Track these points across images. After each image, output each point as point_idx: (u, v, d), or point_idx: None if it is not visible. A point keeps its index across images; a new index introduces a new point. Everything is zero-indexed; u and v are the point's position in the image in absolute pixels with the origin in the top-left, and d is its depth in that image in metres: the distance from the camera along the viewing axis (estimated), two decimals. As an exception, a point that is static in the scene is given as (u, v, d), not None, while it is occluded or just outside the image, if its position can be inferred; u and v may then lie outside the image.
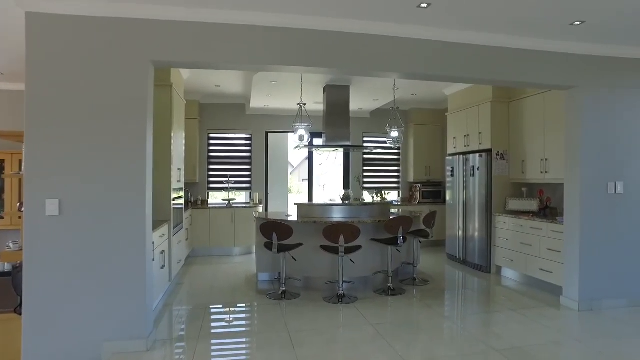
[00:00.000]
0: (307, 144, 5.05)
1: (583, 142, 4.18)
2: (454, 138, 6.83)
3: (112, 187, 3.15)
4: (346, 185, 8.49)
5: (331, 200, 8.51)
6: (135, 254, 3.19)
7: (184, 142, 5.87)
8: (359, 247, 4.52)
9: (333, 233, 4.38)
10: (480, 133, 6.11)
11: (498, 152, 5.90)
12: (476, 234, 6.07)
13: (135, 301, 3.18)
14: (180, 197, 5.47)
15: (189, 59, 3.32)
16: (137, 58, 3.19)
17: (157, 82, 4.79)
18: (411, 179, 8.43)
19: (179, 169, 5.34)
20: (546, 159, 5.22)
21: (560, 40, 3.99)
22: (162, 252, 4.31)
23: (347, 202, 5.32)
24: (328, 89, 5.79)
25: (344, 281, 4.59)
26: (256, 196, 7.80)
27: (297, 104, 5.01)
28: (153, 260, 3.80)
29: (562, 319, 3.93)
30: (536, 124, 5.39)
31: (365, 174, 8.50)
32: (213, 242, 7.16)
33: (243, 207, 7.32)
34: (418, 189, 8.24)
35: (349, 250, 4.43)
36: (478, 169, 6.02)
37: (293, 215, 5.35)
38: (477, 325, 3.82)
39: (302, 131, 4.92)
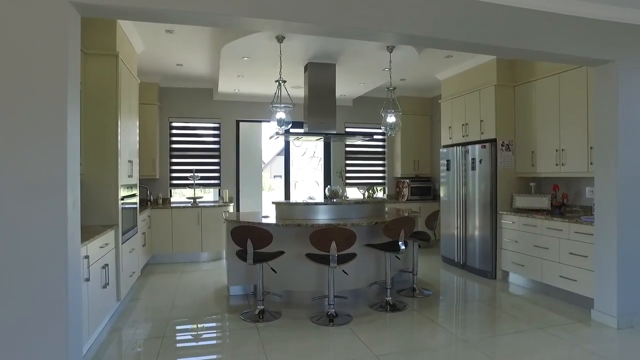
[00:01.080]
0: (288, 129, 4.17)
1: (620, 128, 3.51)
2: (450, 128, 6.13)
3: (15, 183, 2.18)
4: (327, 181, 7.66)
5: (310, 199, 7.67)
6: (53, 277, 2.24)
7: (137, 130, 4.86)
8: (353, 256, 3.70)
9: (323, 239, 3.54)
10: (482, 121, 5.41)
11: (503, 142, 5.21)
12: (477, 234, 5.39)
13: (53, 345, 2.23)
14: (133, 196, 4.48)
15: (123, 2, 2.36)
16: (52, -2, 2.23)
17: (96, 49, 3.79)
18: (398, 174, 7.70)
19: (130, 161, 4.35)
20: (562, 150, 4.57)
21: (599, 3, 3.30)
22: (105, 266, 3.34)
23: (334, 200, 4.49)
24: (310, 68, 4.93)
25: (335, 296, 3.77)
26: (226, 194, 6.85)
27: (276, 81, 4.12)
28: (87, 280, 2.85)
29: (602, 341, 3.25)
30: (550, 110, 4.72)
31: (348, 168, 7.69)
32: (177, 247, 6.17)
33: (211, 206, 6.36)
34: (406, 184, 7.52)
35: (342, 260, 3.61)
36: (480, 162, 5.33)
37: (271, 216, 4.47)
38: (508, 351, 3.08)
39: (281, 113, 4.04)
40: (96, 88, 3.72)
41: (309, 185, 7.76)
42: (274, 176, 19.44)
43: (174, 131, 6.86)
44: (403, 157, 7.60)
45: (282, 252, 3.78)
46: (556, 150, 4.64)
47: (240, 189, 7.26)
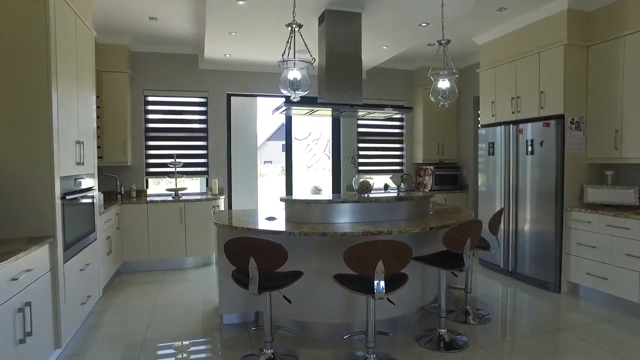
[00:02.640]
0: (302, 95, 2.93)
1: None
2: (492, 103, 4.95)
3: None
4: (336, 168, 6.47)
5: (318, 190, 6.48)
6: None
7: (94, 101, 3.59)
8: (404, 279, 2.53)
9: (366, 257, 2.36)
10: (542, 92, 4.24)
11: (573, 119, 4.07)
12: (534, 235, 4.28)
13: None
14: (87, 190, 3.23)
15: None
16: None
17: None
18: (419, 160, 6.53)
19: (80, 143, 3.09)
20: (664, 127, 3.44)
21: None
22: (25, 306, 2.12)
23: (365, 195, 3.30)
24: (329, 18, 3.67)
25: (376, 332, 2.62)
26: (215, 184, 5.62)
27: (287, 25, 2.87)
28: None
29: None
30: (646, 75, 3.58)
31: (361, 152, 6.50)
32: (155, 252, 4.94)
33: (197, 200, 5.13)
34: (430, 172, 6.37)
35: (390, 285, 2.44)
36: (541, 144, 4.18)
37: (278, 217, 3.28)
38: None
39: (295, 72, 2.80)
40: (11, 34, 2.45)
41: (313, 173, 6.57)
42: (264, 162, 18.12)
43: (150, 107, 5.56)
44: (426, 140, 6.43)
45: (299, 274, 2.60)
46: (655, 129, 3.51)
47: (232, 178, 6.03)
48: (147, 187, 5.57)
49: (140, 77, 5.43)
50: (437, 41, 3.23)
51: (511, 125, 4.55)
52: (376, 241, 2.36)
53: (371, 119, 6.57)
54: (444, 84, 3.21)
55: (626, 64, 3.74)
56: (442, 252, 2.98)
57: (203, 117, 5.76)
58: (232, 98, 5.93)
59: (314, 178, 6.46)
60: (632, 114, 3.69)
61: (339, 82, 3.65)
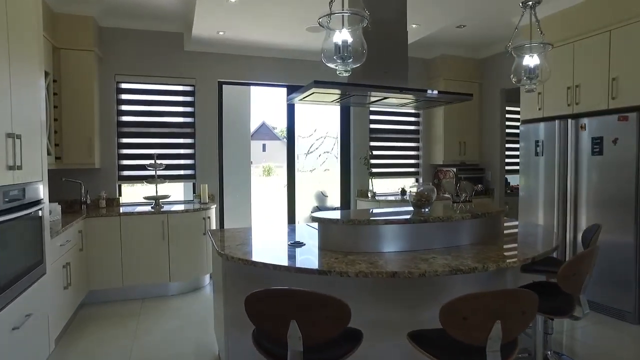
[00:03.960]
0: (349, 70, 2.02)
1: None
2: (539, 94, 4.17)
3: None
4: (345, 170, 5.59)
5: (324, 196, 5.61)
6: None
7: (43, 86, 2.61)
8: (515, 344, 1.67)
9: (478, 317, 1.48)
10: (614, 79, 3.48)
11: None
12: (605, 252, 3.51)
13: None
14: (29, 206, 2.24)
15: None
16: None
17: None
18: (439, 161, 5.73)
19: (15, 137, 2.10)
20: None
21: None
22: None
23: (426, 210, 2.43)
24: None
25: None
26: (204, 190, 4.64)
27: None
28: None
29: None
30: None
31: (374, 152, 5.64)
32: (130, 277, 3.94)
33: (183, 211, 4.16)
34: (451, 175, 5.57)
35: (504, 355, 1.57)
36: (615, 142, 3.42)
37: (304, 239, 2.38)
38: None
39: (346, 33, 1.89)
40: None
41: (316, 177, 5.67)
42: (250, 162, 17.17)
43: (124, 96, 4.54)
44: (446, 139, 5.63)
45: (357, 337, 1.71)
46: None
47: (224, 183, 5.07)
48: (119, 194, 4.55)
49: (112, 59, 4.40)
50: (522, 3, 2.40)
51: (569, 120, 3.78)
52: (493, 293, 1.49)
53: (387, 114, 5.74)
54: (531, 60, 2.38)
55: None
56: (534, 287, 2.15)
57: (189, 109, 4.77)
58: (225, 87, 4.96)
59: (320, 181, 5.57)
60: None
61: (380, 59, 2.76)
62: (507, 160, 5.68)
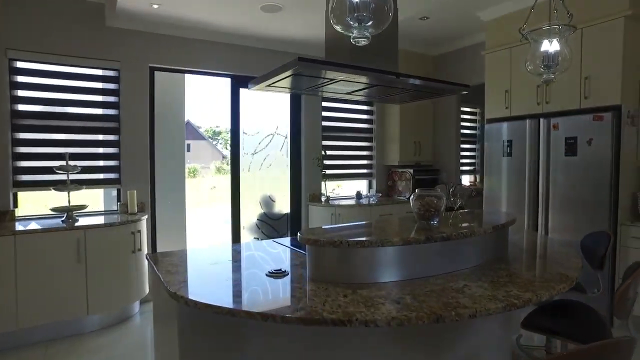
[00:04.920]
0: (370, 34, 1.50)
1: None
2: (506, 92, 4.01)
3: None
4: (296, 172, 5.04)
5: (272, 200, 5.02)
6: None
7: None
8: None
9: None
10: (586, 78, 3.38)
11: (629, 111, 3.26)
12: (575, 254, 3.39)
13: None
14: None
15: None
16: None
17: None
18: (394, 162, 5.43)
19: None
20: None
21: None
22: None
23: (434, 222, 1.98)
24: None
25: None
26: (132, 198, 3.80)
27: None
28: None
29: None
30: None
31: (327, 152, 5.16)
32: (28, 316, 3.01)
33: (104, 226, 3.32)
34: (408, 176, 5.30)
35: None
36: (589, 143, 3.31)
37: (280, 263, 1.82)
38: None
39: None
40: None
41: (263, 179, 5.03)
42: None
43: (22, 79, 3.54)
44: (402, 138, 5.35)
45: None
46: None
47: (155, 189, 4.25)
48: (15, 205, 3.54)
49: (3, 28, 3.40)
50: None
51: (541, 119, 3.63)
52: (589, 350, 1.07)
53: (340, 110, 5.30)
54: (550, 46, 2.05)
55: (698, 44, 3.02)
56: (558, 307, 1.82)
57: (112, 98, 3.89)
58: (158, 74, 4.15)
59: (267, 184, 4.95)
60: None
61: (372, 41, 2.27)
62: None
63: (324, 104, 5.13)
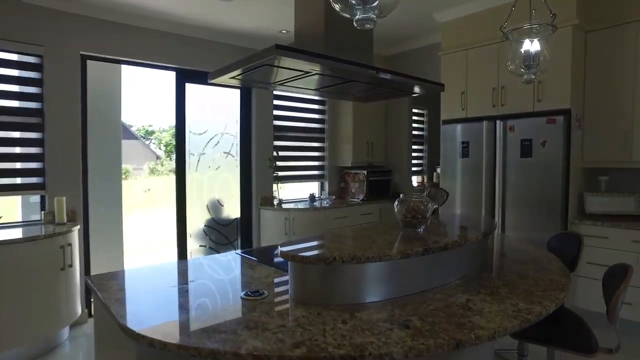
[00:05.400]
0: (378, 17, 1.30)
1: None
2: (462, 93, 4.05)
3: None
4: (246, 174, 4.73)
5: (219, 204, 4.69)
6: None
7: None
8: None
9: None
10: (539, 82, 3.48)
11: (577, 115, 3.41)
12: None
13: None
14: None
15: None
16: None
17: None
18: (347, 162, 5.32)
19: None
20: (694, 127, 2.99)
21: None
22: None
23: (420, 230, 1.83)
24: None
25: None
26: (61, 205, 3.28)
27: None
28: None
29: None
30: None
31: (274, 152, 4.91)
32: None
33: (25, 241, 2.80)
34: (362, 177, 5.21)
35: None
36: (543, 145, 3.41)
37: (252, 281, 1.58)
38: None
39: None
40: None
41: (210, 182, 4.65)
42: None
43: None
44: (356, 139, 5.25)
45: None
46: (680, 128, 3.04)
47: (88, 194, 3.73)
48: None
49: None
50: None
51: (497, 121, 3.69)
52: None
53: (291, 109, 5.09)
54: (531, 46, 2.01)
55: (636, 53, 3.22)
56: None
57: (34, 89, 3.33)
58: (90, 63, 3.63)
59: (215, 188, 4.59)
60: (649, 112, 3.18)
61: (348, 31, 2.09)
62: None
63: (276, 102, 4.88)
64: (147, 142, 14.97)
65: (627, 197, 3.40)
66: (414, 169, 6.16)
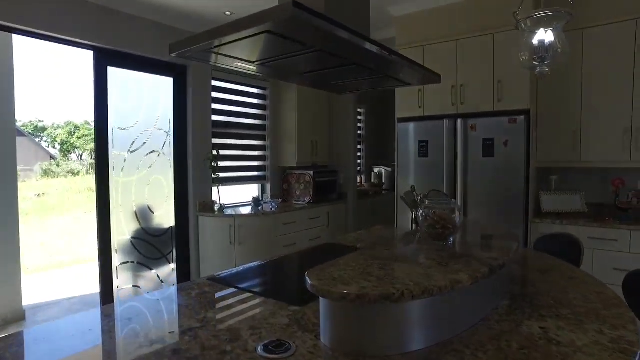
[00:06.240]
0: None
1: None
2: (419, 90, 3.92)
3: None
4: (181, 176, 4.09)
5: (150, 210, 4.03)
6: None
7: None
8: None
9: None
10: (499, 82, 3.47)
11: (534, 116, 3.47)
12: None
13: None
14: None
15: None
16: None
17: None
18: (292, 162, 4.94)
19: None
20: (638, 130, 3.18)
21: None
22: None
23: (449, 242, 1.54)
24: None
25: None
26: None
27: None
28: None
29: None
30: (616, 71, 3.25)
31: (214, 151, 4.34)
32: None
33: None
34: (308, 178, 4.87)
35: None
36: (505, 144, 3.40)
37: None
38: None
39: None
40: None
41: (139, 186, 3.91)
42: None
43: None
44: (300, 137, 4.89)
45: None
46: (626, 131, 3.22)
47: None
48: None
49: None
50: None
51: (459, 120, 3.62)
52: None
53: (231, 103, 4.57)
54: (544, 35, 1.85)
55: (587, 58, 3.36)
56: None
57: None
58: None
59: (144, 192, 3.87)
60: (591, 116, 3.35)
61: (348, 9, 1.73)
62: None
63: (214, 94, 4.31)
64: (37, 140, 12.82)
65: (574, 195, 3.54)
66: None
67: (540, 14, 1.81)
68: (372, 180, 6.58)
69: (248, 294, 1.56)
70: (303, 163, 4.93)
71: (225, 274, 1.85)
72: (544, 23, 1.82)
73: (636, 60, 3.17)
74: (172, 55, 1.63)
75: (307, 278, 1.15)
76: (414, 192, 2.24)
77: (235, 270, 1.92)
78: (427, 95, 3.86)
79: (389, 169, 6.56)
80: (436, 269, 1.24)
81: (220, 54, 1.59)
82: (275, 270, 2.04)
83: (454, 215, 1.57)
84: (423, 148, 3.83)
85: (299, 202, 4.89)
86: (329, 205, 4.94)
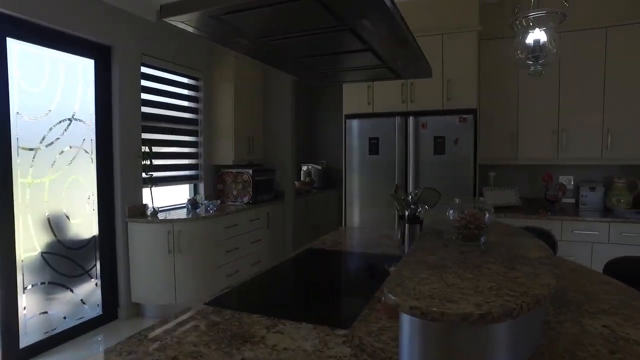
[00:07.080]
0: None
1: None
2: (368, 87, 3.89)
3: None
4: (105, 174, 3.48)
5: (66, 217, 3.38)
6: None
7: None
8: None
9: None
10: (448, 81, 3.59)
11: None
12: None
13: None
14: None
15: None
16: None
17: None
18: (228, 160, 4.57)
19: None
20: (563, 131, 3.56)
21: None
22: None
23: (481, 242, 1.46)
24: None
25: None
26: None
27: None
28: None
29: None
30: (546, 77, 3.57)
31: (145, 148, 3.79)
32: None
33: None
34: (247, 177, 4.55)
35: None
36: (456, 142, 3.54)
37: None
38: None
39: None
40: None
41: (54, 188, 3.19)
42: None
43: None
44: (237, 133, 4.55)
45: None
46: (554, 132, 3.58)
47: None
48: None
49: None
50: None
51: (410, 118, 3.66)
52: None
53: (162, 93, 4.07)
54: (537, 34, 1.89)
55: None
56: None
57: None
58: None
59: (60, 195, 3.19)
60: (528, 117, 3.66)
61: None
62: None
63: (143, 82, 3.76)
64: None
65: (510, 190, 3.84)
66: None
67: (536, 14, 1.84)
68: (303, 179, 6.44)
69: (272, 319, 1.30)
70: (240, 161, 4.59)
71: (223, 295, 1.55)
72: (539, 23, 1.86)
73: (561, 68, 3.53)
74: (164, 20, 1.29)
75: (395, 298, 0.96)
76: (397, 192, 2.16)
77: (231, 289, 1.62)
78: (376, 91, 3.84)
79: (318, 167, 6.49)
80: (512, 274, 1.15)
81: (225, 22, 1.29)
82: (280, 285, 1.78)
83: (486, 215, 1.51)
84: (374, 145, 3.81)
85: (236, 203, 4.54)
86: (267, 205, 4.68)
